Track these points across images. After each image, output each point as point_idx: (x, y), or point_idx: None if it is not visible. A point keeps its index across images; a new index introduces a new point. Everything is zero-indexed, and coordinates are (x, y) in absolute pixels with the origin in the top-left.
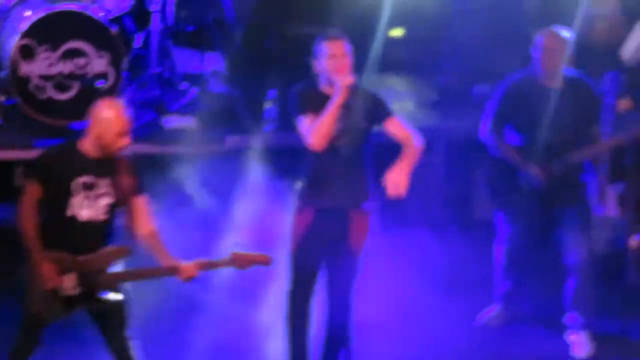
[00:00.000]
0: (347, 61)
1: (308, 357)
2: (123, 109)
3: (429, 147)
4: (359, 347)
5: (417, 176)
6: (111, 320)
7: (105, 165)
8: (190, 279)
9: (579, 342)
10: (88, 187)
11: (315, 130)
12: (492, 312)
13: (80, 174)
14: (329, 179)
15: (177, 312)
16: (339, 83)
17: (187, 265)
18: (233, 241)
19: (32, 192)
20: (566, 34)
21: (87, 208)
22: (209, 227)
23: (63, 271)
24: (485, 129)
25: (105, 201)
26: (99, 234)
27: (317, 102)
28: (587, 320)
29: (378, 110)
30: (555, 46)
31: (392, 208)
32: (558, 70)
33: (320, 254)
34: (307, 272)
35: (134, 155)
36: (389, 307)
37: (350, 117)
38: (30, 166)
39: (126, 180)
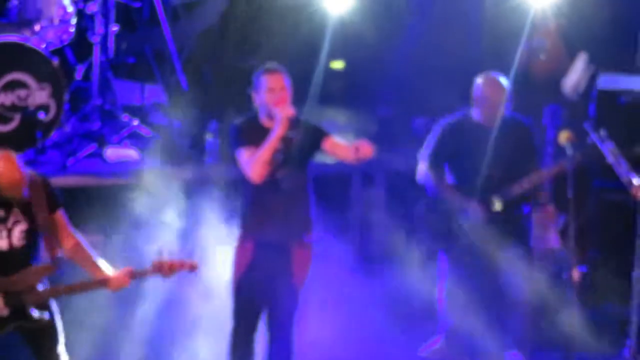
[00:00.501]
0: (286, 94)
1: None
2: (14, 160)
3: (370, 179)
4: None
5: (359, 209)
6: (43, 339)
7: (8, 198)
8: (121, 288)
9: None
10: (0, 220)
11: (254, 162)
12: (435, 346)
13: None
14: (269, 211)
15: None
16: (279, 115)
17: (117, 276)
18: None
19: None
20: (504, 80)
21: (3, 239)
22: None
23: None
24: (423, 170)
25: (19, 229)
26: (21, 260)
27: (256, 135)
28: (528, 356)
29: (315, 135)
30: (494, 94)
31: (336, 241)
32: (496, 115)
33: (263, 288)
34: (250, 307)
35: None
36: (333, 339)
37: (290, 149)
38: None
39: (37, 203)
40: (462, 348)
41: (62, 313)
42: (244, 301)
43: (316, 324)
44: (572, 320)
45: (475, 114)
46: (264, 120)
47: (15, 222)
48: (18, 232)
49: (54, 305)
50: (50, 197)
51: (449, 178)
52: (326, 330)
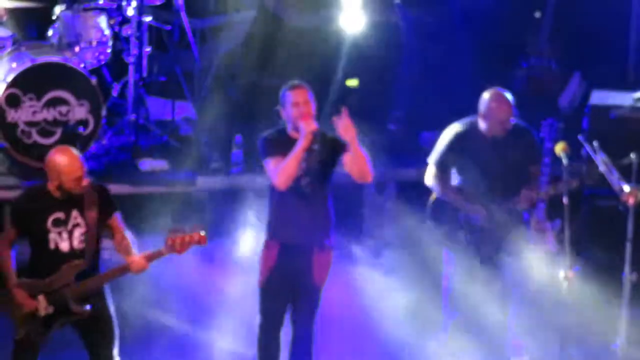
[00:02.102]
0: (310, 108)
1: None
2: (76, 155)
3: (382, 186)
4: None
5: (372, 213)
6: (92, 333)
7: (72, 200)
8: (141, 270)
9: None
10: (61, 222)
11: (280, 172)
12: (442, 339)
13: (51, 212)
14: (293, 216)
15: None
16: (303, 129)
17: (136, 260)
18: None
19: (8, 233)
20: (509, 96)
21: (64, 241)
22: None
23: (33, 295)
24: (430, 175)
25: (79, 231)
26: (79, 259)
27: (283, 146)
28: (527, 348)
29: (336, 147)
30: (500, 109)
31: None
32: (502, 129)
33: (287, 287)
34: (275, 305)
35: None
36: (348, 336)
37: (313, 159)
38: (10, 211)
39: (94, 207)
40: (468, 339)
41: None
42: (270, 300)
43: (333, 323)
44: (567, 315)
45: (482, 125)
46: (291, 133)
47: (75, 225)
48: (78, 235)
49: (109, 301)
50: (104, 202)
51: (455, 181)
52: (342, 327)
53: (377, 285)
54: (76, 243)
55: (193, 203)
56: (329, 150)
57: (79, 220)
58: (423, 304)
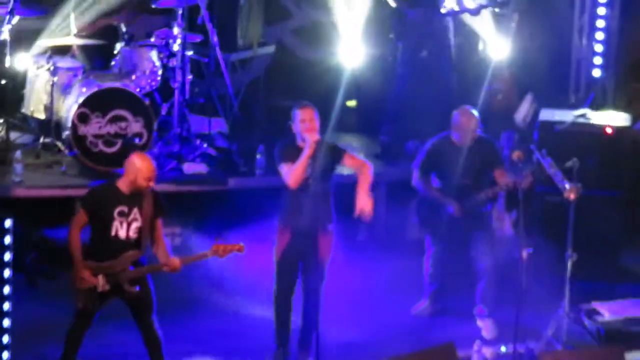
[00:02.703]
0: (315, 124)
1: (288, 336)
2: (150, 160)
3: (375, 187)
4: (326, 332)
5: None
6: (138, 306)
7: (136, 198)
8: (175, 270)
9: (486, 327)
10: (124, 214)
11: (292, 174)
12: (422, 306)
13: (118, 205)
14: (301, 208)
15: (187, 303)
16: (308, 140)
17: (171, 262)
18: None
19: (80, 218)
20: (475, 112)
21: (122, 230)
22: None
23: (95, 274)
24: (415, 177)
25: (135, 225)
26: (130, 248)
27: (293, 153)
28: (490, 311)
29: (335, 153)
30: (467, 122)
31: (349, 230)
32: (469, 138)
33: (298, 264)
34: (288, 278)
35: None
36: (348, 302)
37: (317, 164)
38: (82, 199)
39: (150, 208)
40: (442, 306)
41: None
42: (283, 274)
43: (335, 292)
44: (522, 287)
45: (454, 136)
46: (300, 143)
47: (133, 219)
48: (134, 227)
49: (151, 283)
50: (157, 206)
51: (434, 182)
52: (342, 296)
53: (371, 263)
54: (131, 233)
55: (225, 199)
56: (329, 157)
57: (137, 216)
58: (408, 277)
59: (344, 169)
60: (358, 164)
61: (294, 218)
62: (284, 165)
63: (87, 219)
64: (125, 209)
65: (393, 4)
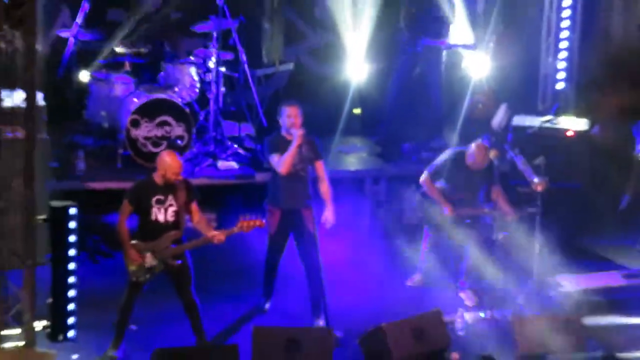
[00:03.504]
0: (299, 119)
1: (271, 293)
2: (177, 157)
3: (377, 180)
4: (334, 300)
5: (369, 199)
6: (179, 278)
7: (169, 187)
8: (220, 242)
9: (468, 297)
10: (161, 202)
11: (283, 162)
12: (415, 279)
13: (155, 194)
14: (288, 190)
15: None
16: (296, 133)
17: (216, 235)
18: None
19: (124, 208)
20: (486, 147)
21: (161, 215)
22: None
23: (142, 252)
24: (423, 177)
25: (172, 209)
26: (169, 230)
27: (281, 145)
28: (471, 284)
29: (314, 153)
30: (480, 157)
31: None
32: (480, 167)
33: (288, 235)
34: (278, 247)
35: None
36: (353, 276)
37: (301, 153)
38: (125, 193)
39: (183, 194)
40: (433, 279)
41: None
42: (275, 243)
43: (340, 274)
44: (500, 261)
45: (469, 158)
46: (285, 135)
47: (170, 205)
48: (171, 211)
49: (189, 258)
50: (189, 192)
51: (440, 184)
52: (349, 271)
53: (374, 243)
54: (169, 217)
55: (253, 191)
56: (309, 148)
57: (172, 202)
58: (404, 255)
59: None
60: (322, 178)
61: (283, 198)
62: (274, 156)
63: (131, 208)
64: (161, 197)
65: (406, 32)
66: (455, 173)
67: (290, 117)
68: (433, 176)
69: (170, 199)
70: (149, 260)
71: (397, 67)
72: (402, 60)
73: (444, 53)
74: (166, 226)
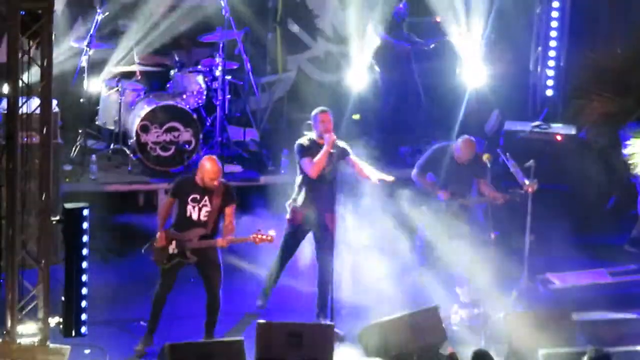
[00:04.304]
0: (331, 125)
1: (272, 289)
2: (217, 162)
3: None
4: (338, 296)
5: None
6: (208, 275)
7: (207, 189)
8: (223, 247)
9: (464, 293)
10: (196, 201)
11: (314, 166)
12: (413, 275)
13: (192, 193)
14: (316, 192)
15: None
16: (327, 139)
17: (222, 240)
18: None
19: (168, 201)
20: (473, 141)
21: (195, 213)
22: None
23: (170, 240)
24: (414, 173)
25: (205, 209)
26: (200, 227)
27: (312, 149)
28: (467, 281)
29: (345, 152)
30: (467, 151)
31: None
32: (467, 159)
33: (305, 235)
34: (291, 248)
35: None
36: (355, 273)
37: (331, 158)
38: (171, 188)
39: (219, 198)
40: (429, 276)
41: None
42: (289, 244)
43: (341, 272)
44: (493, 260)
45: (456, 151)
46: (318, 140)
47: (204, 205)
48: (204, 211)
49: (220, 257)
50: (226, 196)
51: (430, 178)
52: (347, 273)
53: (373, 243)
54: (202, 216)
55: (257, 192)
56: (340, 153)
57: (207, 203)
58: (403, 253)
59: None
60: (358, 165)
61: (309, 201)
62: (305, 160)
63: (172, 200)
64: (197, 196)
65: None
66: (443, 166)
67: (324, 123)
68: (423, 169)
69: (206, 200)
70: (173, 247)
71: (379, 74)
72: (381, 67)
73: (438, 58)
74: (197, 223)
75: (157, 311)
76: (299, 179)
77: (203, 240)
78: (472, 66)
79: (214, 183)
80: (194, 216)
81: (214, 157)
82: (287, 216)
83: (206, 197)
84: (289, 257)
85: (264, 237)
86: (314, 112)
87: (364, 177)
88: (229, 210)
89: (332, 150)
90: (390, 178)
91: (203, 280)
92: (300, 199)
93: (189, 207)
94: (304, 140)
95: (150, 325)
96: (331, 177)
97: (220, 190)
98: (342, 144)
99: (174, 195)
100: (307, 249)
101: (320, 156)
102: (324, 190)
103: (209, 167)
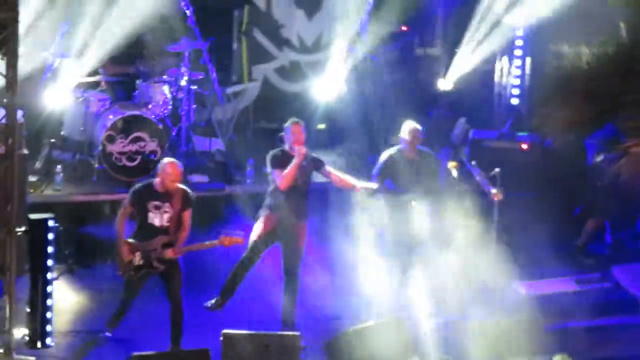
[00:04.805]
0: (303, 138)
1: (231, 296)
2: (177, 166)
3: (341, 191)
4: (305, 306)
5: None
6: (169, 281)
7: (167, 194)
8: (184, 253)
9: (430, 301)
10: (158, 207)
11: (284, 178)
12: (376, 283)
13: (153, 200)
14: (286, 204)
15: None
16: (298, 151)
17: (175, 250)
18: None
19: (126, 209)
20: (419, 126)
21: (157, 219)
22: None
23: (133, 252)
24: (375, 182)
25: (167, 215)
26: (163, 233)
27: (283, 161)
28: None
29: (318, 163)
30: (414, 137)
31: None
32: (415, 149)
33: (271, 243)
34: (258, 253)
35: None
36: (319, 282)
37: (302, 170)
38: (128, 197)
39: (179, 202)
40: (393, 283)
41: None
42: (255, 248)
43: (308, 282)
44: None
45: (404, 147)
46: (289, 151)
47: (165, 211)
48: (166, 216)
49: (182, 264)
50: (185, 200)
51: (390, 186)
52: (314, 283)
53: (340, 252)
54: (164, 222)
55: (223, 202)
56: (312, 165)
57: (168, 209)
58: (369, 261)
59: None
60: (336, 174)
61: (280, 211)
62: (276, 171)
63: (131, 210)
64: (158, 202)
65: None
66: (397, 167)
67: (295, 134)
68: (379, 177)
69: (167, 206)
70: (138, 259)
71: (356, 83)
72: (358, 76)
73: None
74: (160, 230)
75: (122, 317)
76: (271, 188)
77: (170, 249)
78: (439, 75)
79: (175, 185)
80: (157, 222)
81: (174, 160)
82: (259, 221)
83: (167, 203)
84: (254, 262)
85: (233, 237)
86: (286, 124)
87: (345, 186)
88: (187, 214)
89: (303, 163)
90: (373, 185)
91: (165, 286)
92: (272, 208)
93: (151, 214)
94: (276, 151)
95: (114, 321)
96: (303, 188)
97: (179, 194)
98: (314, 156)
99: (133, 204)
100: (274, 258)
101: (289, 169)
102: (295, 201)
103: (169, 170)
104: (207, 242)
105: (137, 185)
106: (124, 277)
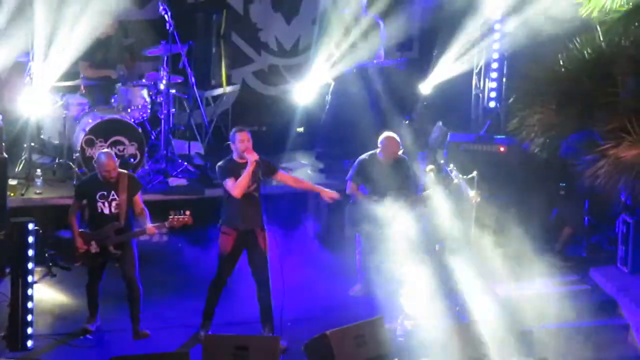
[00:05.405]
0: (251, 144)
1: (213, 314)
2: (110, 157)
3: (318, 195)
4: (281, 309)
5: (313, 211)
6: (123, 265)
7: (112, 183)
8: (152, 235)
9: (409, 303)
10: (104, 197)
11: (237, 187)
12: (357, 289)
13: (99, 190)
14: (243, 212)
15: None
16: (250, 159)
17: (151, 227)
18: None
19: (74, 206)
20: (396, 136)
21: (106, 208)
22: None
23: (88, 241)
24: (348, 187)
25: (114, 202)
26: (112, 221)
27: (234, 169)
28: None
29: (269, 169)
30: (392, 146)
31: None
32: (392, 158)
33: (239, 257)
34: (229, 269)
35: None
36: (299, 286)
37: (255, 177)
38: (74, 191)
39: (125, 189)
40: (372, 289)
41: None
42: (226, 264)
43: (286, 286)
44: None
45: (380, 155)
46: (237, 159)
47: (112, 199)
48: (114, 204)
49: (134, 246)
50: (132, 185)
51: (363, 191)
52: (294, 281)
53: (317, 255)
54: (112, 209)
55: (202, 205)
56: (265, 170)
57: (115, 196)
58: (346, 266)
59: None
60: (290, 179)
61: (238, 220)
62: (228, 180)
63: (78, 203)
64: (104, 192)
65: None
66: (372, 173)
67: (244, 142)
68: (354, 182)
69: (113, 194)
70: (94, 247)
71: (333, 86)
72: (338, 80)
73: (387, 72)
74: (110, 217)
75: (94, 301)
76: (224, 199)
77: (126, 234)
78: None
79: (111, 175)
80: (106, 211)
81: (108, 151)
82: (220, 242)
83: (113, 191)
84: (226, 277)
85: (182, 219)
86: (232, 132)
87: (303, 188)
88: (137, 198)
89: (256, 170)
90: (335, 195)
91: (120, 268)
92: (230, 219)
93: (99, 204)
94: (224, 162)
95: (91, 311)
96: (257, 194)
97: (124, 181)
98: (266, 161)
99: (79, 197)
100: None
101: (243, 177)
102: (252, 208)
103: (104, 160)
104: (160, 224)
105: (81, 180)
106: (83, 266)
